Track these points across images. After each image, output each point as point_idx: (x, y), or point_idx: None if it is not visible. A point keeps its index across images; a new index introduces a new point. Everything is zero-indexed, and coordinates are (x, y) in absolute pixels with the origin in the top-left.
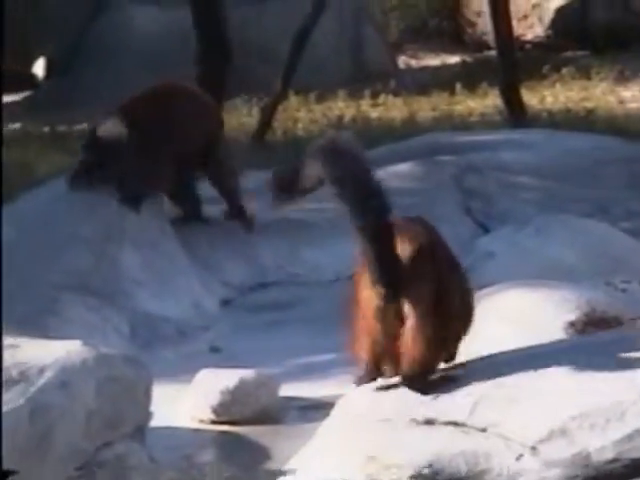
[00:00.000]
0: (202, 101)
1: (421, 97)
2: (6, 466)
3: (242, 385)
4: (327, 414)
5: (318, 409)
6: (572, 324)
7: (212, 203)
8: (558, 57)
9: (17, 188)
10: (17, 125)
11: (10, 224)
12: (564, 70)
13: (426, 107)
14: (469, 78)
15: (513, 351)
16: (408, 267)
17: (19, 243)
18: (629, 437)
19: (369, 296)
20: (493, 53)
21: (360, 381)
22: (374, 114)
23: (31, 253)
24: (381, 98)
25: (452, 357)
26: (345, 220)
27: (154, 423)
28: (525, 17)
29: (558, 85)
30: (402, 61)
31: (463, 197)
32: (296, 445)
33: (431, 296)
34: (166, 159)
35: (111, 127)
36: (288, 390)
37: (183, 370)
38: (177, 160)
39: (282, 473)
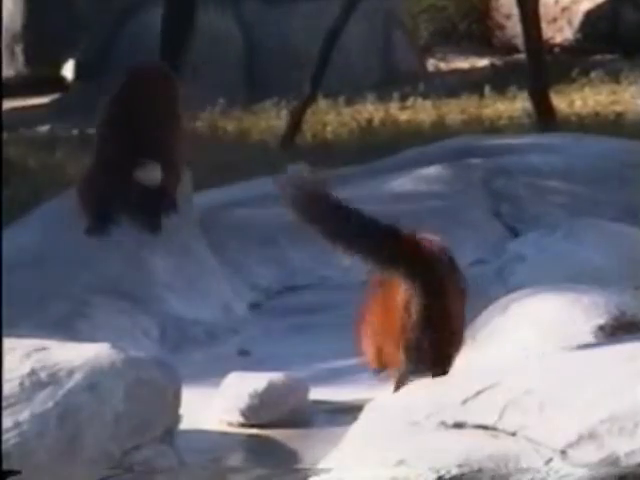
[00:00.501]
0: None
1: (450, 100)
2: (35, 469)
3: (271, 388)
4: (356, 418)
5: (347, 413)
6: (601, 328)
7: (240, 206)
8: (587, 61)
9: (46, 191)
10: (45, 128)
11: (40, 227)
12: (593, 74)
13: (455, 110)
14: (498, 81)
15: (542, 355)
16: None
17: (49, 246)
18: None
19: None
20: (522, 56)
21: (398, 385)
22: (403, 117)
23: (62, 256)
24: (410, 101)
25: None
26: None
27: (183, 426)
28: (554, 20)
29: (587, 89)
30: (431, 64)
31: (492, 200)
32: (325, 449)
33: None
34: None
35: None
36: (317, 394)
37: (212, 373)
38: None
39: (313, 473)
